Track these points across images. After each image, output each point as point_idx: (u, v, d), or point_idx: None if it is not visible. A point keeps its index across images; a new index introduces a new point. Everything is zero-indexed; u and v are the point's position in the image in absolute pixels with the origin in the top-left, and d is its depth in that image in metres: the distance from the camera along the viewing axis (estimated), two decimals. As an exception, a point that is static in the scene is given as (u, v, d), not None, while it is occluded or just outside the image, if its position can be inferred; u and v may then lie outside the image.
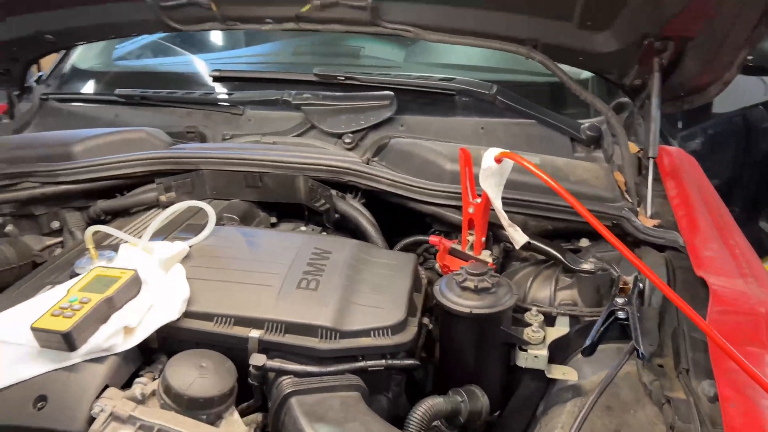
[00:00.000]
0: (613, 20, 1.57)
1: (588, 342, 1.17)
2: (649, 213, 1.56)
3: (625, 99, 1.92)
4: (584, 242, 1.54)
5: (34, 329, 1.04)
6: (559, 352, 1.30)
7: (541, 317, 1.28)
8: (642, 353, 1.10)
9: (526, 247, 1.43)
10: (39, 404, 1.01)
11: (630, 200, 1.59)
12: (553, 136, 1.88)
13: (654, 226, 1.50)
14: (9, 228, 1.72)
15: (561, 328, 1.29)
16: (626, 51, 1.64)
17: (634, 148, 1.76)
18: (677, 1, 1.42)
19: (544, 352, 1.23)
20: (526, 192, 1.54)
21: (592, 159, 1.81)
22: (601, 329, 1.18)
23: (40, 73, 2.46)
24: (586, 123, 1.89)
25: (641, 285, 1.29)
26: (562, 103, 2.08)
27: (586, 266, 1.35)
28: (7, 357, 1.06)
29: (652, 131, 1.64)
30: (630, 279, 1.31)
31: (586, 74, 2.04)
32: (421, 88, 1.97)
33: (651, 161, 1.62)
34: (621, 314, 1.21)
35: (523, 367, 1.25)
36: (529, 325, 1.26)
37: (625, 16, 1.54)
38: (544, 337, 1.25)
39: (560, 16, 1.62)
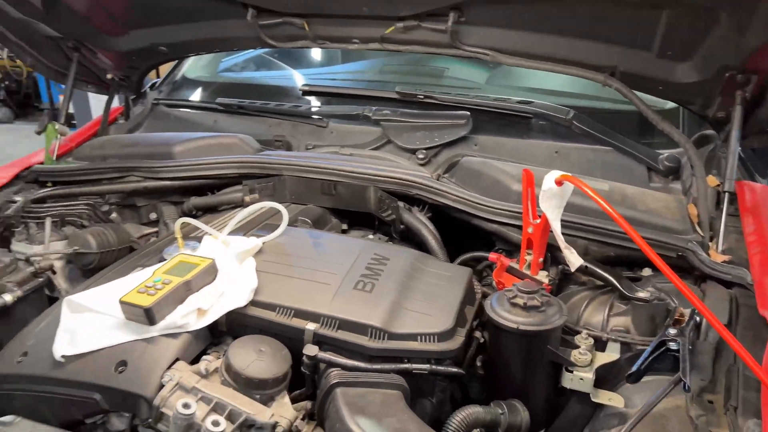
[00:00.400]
0: (694, 51, 1.56)
1: (634, 368, 1.16)
2: (720, 248, 1.51)
3: (711, 131, 1.87)
4: (647, 272, 1.52)
5: (122, 302, 1.19)
6: (609, 378, 1.30)
7: (591, 341, 1.29)
8: (688, 385, 1.08)
9: (582, 270, 1.44)
10: (120, 368, 1.15)
11: (701, 233, 1.55)
12: (629, 164, 1.87)
13: (723, 261, 1.45)
14: (113, 216, 1.94)
15: (611, 354, 1.29)
16: (708, 83, 1.61)
17: (713, 181, 1.71)
18: (759, 34, 1.39)
19: (589, 375, 1.24)
20: (590, 217, 1.55)
21: (668, 190, 1.78)
22: (650, 358, 1.17)
23: (155, 80, 2.74)
24: (665, 153, 1.86)
25: (698, 318, 1.26)
26: (648, 132, 2.05)
27: (641, 294, 1.34)
28: (99, 325, 1.22)
29: (729, 165, 1.59)
30: (687, 311, 1.28)
31: (673, 103, 2.00)
32: (497, 109, 2.02)
33: (726, 195, 1.58)
34: (672, 345, 1.19)
35: (568, 388, 1.27)
36: (578, 347, 1.27)
37: (706, 47, 1.52)
38: (592, 361, 1.25)
39: (639, 45, 1.62)
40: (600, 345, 1.33)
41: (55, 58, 2.26)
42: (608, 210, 1.21)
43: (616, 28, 1.61)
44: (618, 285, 1.39)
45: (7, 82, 8.03)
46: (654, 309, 1.33)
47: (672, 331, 1.21)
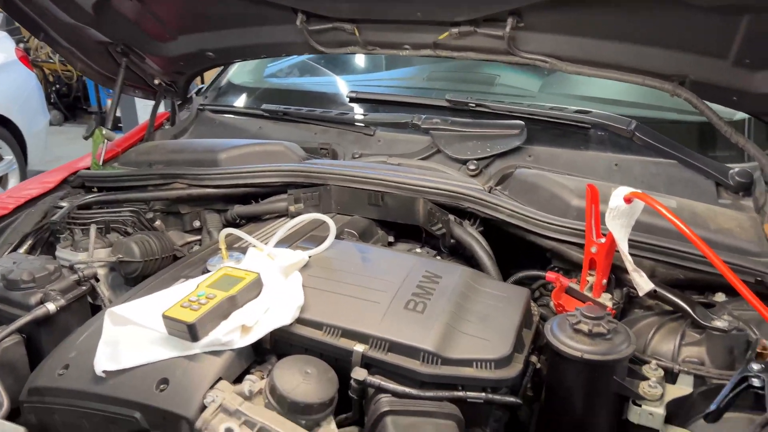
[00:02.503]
0: (776, 59, 1.44)
1: (713, 407, 1.06)
2: (802, 273, 1.39)
3: (787, 145, 1.74)
4: (720, 297, 1.40)
5: (164, 317, 1.15)
6: (679, 413, 1.20)
7: (661, 372, 1.20)
8: (776, 429, 0.98)
9: (652, 295, 1.33)
10: (161, 386, 1.10)
11: (780, 256, 1.43)
12: (695, 179, 1.75)
13: (806, 287, 1.33)
14: (157, 223, 1.91)
15: (683, 387, 1.20)
16: (789, 93, 1.49)
17: (791, 199, 1.58)
18: None
19: (660, 410, 1.15)
20: (657, 236, 1.44)
21: (739, 207, 1.66)
22: (730, 395, 1.07)
23: (201, 86, 2.73)
24: (735, 168, 1.73)
25: (784, 352, 1.15)
26: (712, 144, 1.93)
27: (718, 323, 1.23)
28: (141, 339, 1.18)
29: (811, 182, 1.47)
30: (771, 344, 1.17)
31: (741, 114, 1.87)
32: (553, 119, 1.92)
33: (808, 215, 1.45)
34: (756, 382, 1.08)
35: (636, 423, 1.17)
36: (647, 379, 1.18)
37: (790, 54, 1.40)
38: (662, 395, 1.16)
39: (714, 53, 1.51)
40: (670, 376, 1.23)
41: (104, 63, 2.27)
42: (685, 231, 1.11)
43: (689, 35, 1.50)
44: (692, 312, 1.28)
45: (57, 86, 8.27)
46: (732, 340, 1.22)
47: (755, 366, 1.10)
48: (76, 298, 1.46)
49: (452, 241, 1.65)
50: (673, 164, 1.78)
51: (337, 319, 1.20)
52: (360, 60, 2.88)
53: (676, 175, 1.76)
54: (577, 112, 1.91)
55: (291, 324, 1.21)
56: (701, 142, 1.95)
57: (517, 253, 1.67)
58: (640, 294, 1.32)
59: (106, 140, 2.13)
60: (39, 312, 1.35)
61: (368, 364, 1.15)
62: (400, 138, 2.08)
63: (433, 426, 1.07)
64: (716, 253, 1.13)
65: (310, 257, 1.42)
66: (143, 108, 5.49)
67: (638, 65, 1.62)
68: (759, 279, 1.35)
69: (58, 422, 1.17)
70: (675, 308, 1.34)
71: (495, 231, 1.66)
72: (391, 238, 1.81)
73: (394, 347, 1.16)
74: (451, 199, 1.65)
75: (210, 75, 2.77)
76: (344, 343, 1.18)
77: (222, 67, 2.67)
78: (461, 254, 1.70)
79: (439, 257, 1.70)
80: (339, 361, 1.17)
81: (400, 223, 1.77)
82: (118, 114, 2.33)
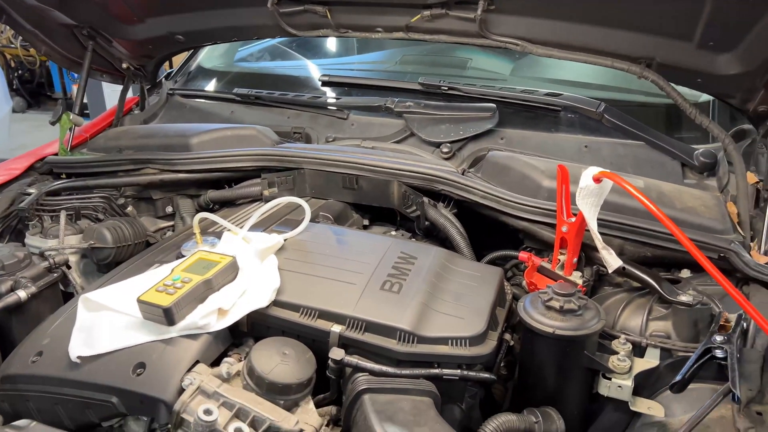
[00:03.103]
0: (739, 42, 1.47)
1: (678, 378, 1.10)
2: (762, 249, 1.44)
3: (748, 125, 1.80)
4: (685, 273, 1.45)
5: (139, 302, 1.14)
6: (646, 385, 1.25)
7: (630, 346, 1.23)
8: (737, 396, 1.02)
9: (620, 272, 1.37)
10: (138, 370, 1.10)
11: (742, 233, 1.48)
12: (662, 159, 1.79)
13: (767, 263, 1.39)
14: (129, 209, 1.89)
15: (650, 360, 1.24)
16: (751, 75, 1.53)
17: (752, 178, 1.63)
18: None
19: (628, 383, 1.18)
20: (626, 215, 1.48)
21: (703, 187, 1.71)
22: (695, 366, 1.11)
23: (170, 70, 2.69)
24: (700, 148, 1.78)
25: (745, 324, 1.20)
26: (677, 126, 1.98)
27: (683, 298, 1.28)
28: (116, 324, 1.17)
29: (772, 161, 1.52)
30: (733, 317, 1.22)
31: (706, 97, 1.92)
32: (525, 102, 1.94)
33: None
34: (719, 353, 1.12)
35: (606, 395, 1.21)
36: (616, 353, 1.22)
37: (752, 37, 1.44)
38: (631, 367, 1.20)
39: (679, 35, 1.54)
40: (638, 350, 1.27)
41: (70, 47, 2.21)
42: (653, 209, 1.14)
43: (655, 17, 1.53)
44: (659, 288, 1.32)
45: (20, 71, 8.03)
46: (697, 314, 1.27)
47: (718, 338, 1.14)
48: (48, 285, 1.44)
49: (427, 223, 1.66)
50: (641, 145, 1.82)
51: (314, 301, 1.21)
52: (332, 43, 2.86)
53: (644, 156, 1.80)
54: (547, 95, 1.93)
55: (268, 306, 1.21)
56: (668, 124, 2.00)
57: (491, 233, 1.70)
58: (610, 271, 1.35)
59: (73, 125, 2.09)
60: (10, 299, 1.33)
61: (345, 344, 1.17)
62: (373, 121, 2.09)
63: (410, 402, 1.09)
64: (682, 231, 1.17)
65: (285, 240, 1.42)
66: (111, 93, 5.38)
67: (607, 48, 1.65)
68: (722, 255, 1.40)
69: (33, 409, 1.16)
70: (642, 284, 1.38)
71: (468, 212, 1.68)
72: (366, 221, 1.82)
73: (371, 327, 1.17)
74: (425, 182, 1.67)
75: (179, 59, 2.72)
76: (321, 324, 1.19)
77: (191, 51, 2.62)
78: (436, 236, 1.72)
79: (414, 239, 1.72)
80: (316, 342, 1.18)
81: (375, 206, 1.78)
82: (84, 100, 2.27)
